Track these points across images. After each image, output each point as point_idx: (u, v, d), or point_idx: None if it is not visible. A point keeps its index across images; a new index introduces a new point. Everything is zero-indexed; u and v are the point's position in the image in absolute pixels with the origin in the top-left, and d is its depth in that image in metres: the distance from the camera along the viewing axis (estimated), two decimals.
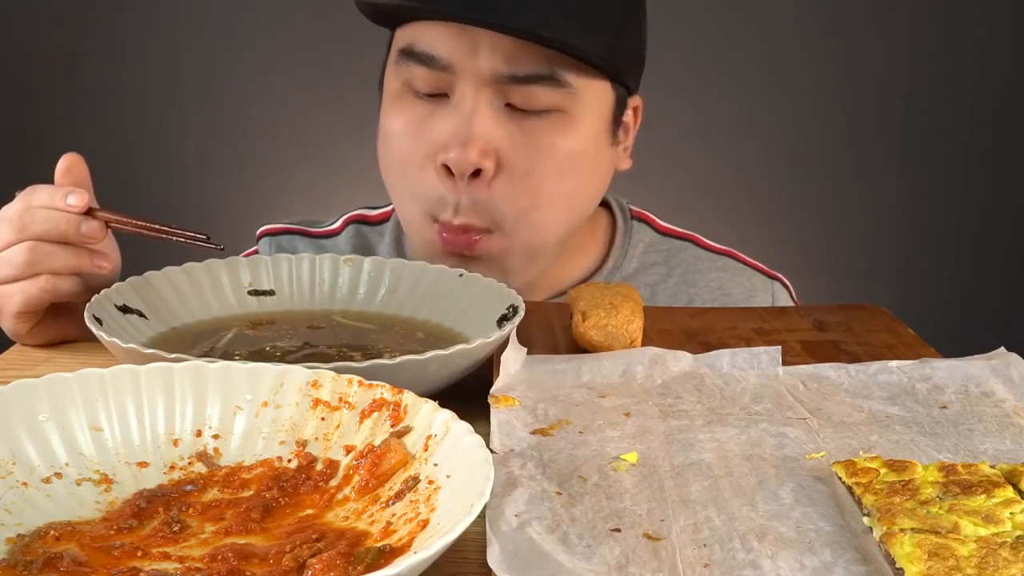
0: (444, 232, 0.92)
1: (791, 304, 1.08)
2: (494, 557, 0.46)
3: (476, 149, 0.87)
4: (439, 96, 0.90)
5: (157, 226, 0.79)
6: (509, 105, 0.89)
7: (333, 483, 0.55)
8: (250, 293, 0.83)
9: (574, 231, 0.98)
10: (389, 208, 1.11)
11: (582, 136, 0.92)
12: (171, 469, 0.56)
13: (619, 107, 0.95)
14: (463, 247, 0.92)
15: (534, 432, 0.61)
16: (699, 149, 2.20)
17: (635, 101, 0.99)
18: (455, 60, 0.88)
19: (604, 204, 1.08)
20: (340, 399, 0.58)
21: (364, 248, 1.09)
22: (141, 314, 0.77)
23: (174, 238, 0.79)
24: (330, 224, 1.12)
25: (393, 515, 0.50)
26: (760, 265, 1.09)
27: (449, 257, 0.93)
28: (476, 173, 0.88)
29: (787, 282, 1.10)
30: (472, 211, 0.90)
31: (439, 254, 0.93)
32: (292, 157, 2.21)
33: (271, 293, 0.84)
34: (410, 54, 0.90)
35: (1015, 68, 2.18)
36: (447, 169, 0.89)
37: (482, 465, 0.48)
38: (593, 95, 0.91)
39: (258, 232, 1.13)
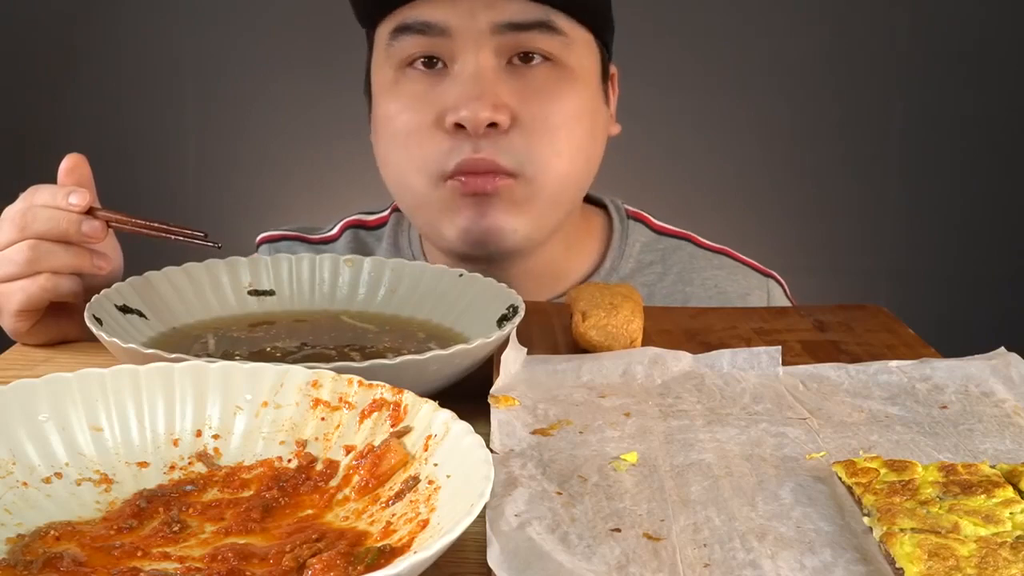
0: (462, 174, 0.90)
1: (786, 301, 1.09)
2: (494, 557, 0.46)
3: (488, 104, 0.88)
4: (439, 69, 0.91)
5: (155, 224, 0.80)
6: (510, 64, 0.91)
7: (333, 483, 0.55)
8: (250, 293, 0.83)
9: (584, 191, 1.00)
10: (386, 213, 1.11)
11: (582, 88, 0.94)
12: (171, 469, 0.56)
13: (604, 68, 0.98)
14: (487, 185, 0.90)
15: (534, 432, 0.61)
16: (698, 148, 2.20)
17: (612, 69, 1.01)
18: (452, 22, 0.89)
19: (600, 204, 1.09)
20: (340, 399, 0.58)
21: (362, 253, 1.09)
22: (141, 314, 0.77)
23: (172, 236, 0.79)
24: (328, 231, 1.12)
25: (393, 515, 0.50)
26: (755, 263, 1.10)
27: (467, 209, 0.91)
28: (490, 126, 0.88)
29: (781, 280, 1.10)
30: (494, 149, 0.89)
31: (455, 216, 0.92)
32: (292, 157, 2.21)
33: (271, 293, 0.84)
34: (405, 28, 0.91)
35: (1016, 68, 2.18)
36: (458, 128, 0.89)
37: (482, 465, 0.48)
38: (584, 47, 0.94)
39: (257, 239, 1.13)
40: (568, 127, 0.92)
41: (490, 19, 0.89)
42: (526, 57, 0.91)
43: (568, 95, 0.92)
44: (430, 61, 0.92)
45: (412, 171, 0.93)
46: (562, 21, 0.91)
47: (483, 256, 0.95)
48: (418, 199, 0.95)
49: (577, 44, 0.93)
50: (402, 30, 0.91)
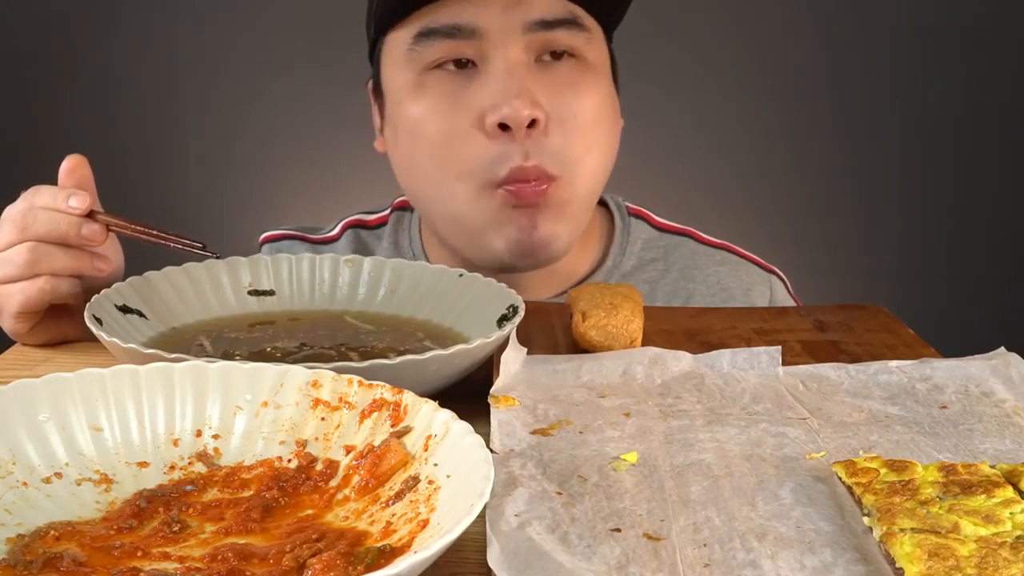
0: (516, 182, 0.88)
1: (789, 297, 1.09)
2: (494, 557, 0.46)
3: (528, 101, 0.87)
4: (467, 68, 0.90)
5: (155, 231, 0.80)
6: (537, 61, 0.91)
7: (333, 483, 0.55)
8: (250, 293, 0.83)
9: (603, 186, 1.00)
10: (386, 212, 1.11)
11: (603, 81, 0.95)
12: (171, 469, 0.56)
13: (613, 60, 0.99)
14: (538, 196, 0.89)
15: (534, 432, 0.61)
16: (698, 149, 2.20)
17: None
18: (483, 23, 0.88)
19: (601, 202, 1.09)
20: (340, 399, 0.58)
21: (363, 253, 1.08)
22: (141, 314, 0.77)
23: (171, 244, 0.79)
24: (329, 231, 1.12)
25: (393, 515, 0.50)
26: (757, 258, 1.10)
27: (517, 220, 0.90)
28: (531, 125, 0.88)
29: (783, 275, 1.10)
30: (541, 153, 0.89)
31: (504, 227, 0.91)
32: (292, 157, 2.21)
33: (271, 293, 0.84)
34: (431, 32, 0.90)
35: (1015, 67, 2.18)
36: (501, 128, 0.88)
37: (482, 465, 0.48)
38: (600, 41, 0.96)
39: (261, 238, 1.13)
40: (596, 122, 0.93)
41: (521, 17, 0.89)
42: (553, 54, 0.91)
43: (593, 89, 0.93)
44: (459, 61, 0.91)
45: (452, 178, 0.91)
46: (584, 17, 0.92)
47: (528, 267, 0.94)
48: (461, 209, 0.92)
49: (595, 39, 0.94)
50: (427, 34, 0.90)
